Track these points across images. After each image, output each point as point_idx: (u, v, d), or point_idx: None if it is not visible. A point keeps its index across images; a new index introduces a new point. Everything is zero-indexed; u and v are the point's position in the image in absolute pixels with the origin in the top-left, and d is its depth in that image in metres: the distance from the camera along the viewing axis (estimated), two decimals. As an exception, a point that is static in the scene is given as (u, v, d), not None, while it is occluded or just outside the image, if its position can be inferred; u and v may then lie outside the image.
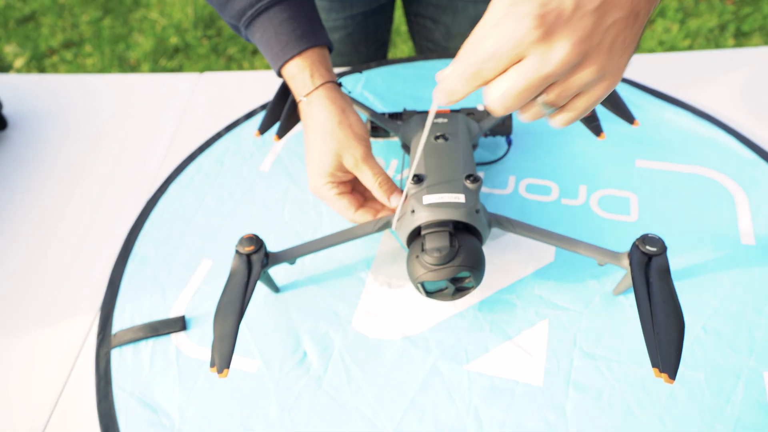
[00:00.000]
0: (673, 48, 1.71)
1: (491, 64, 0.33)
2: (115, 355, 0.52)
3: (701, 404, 0.44)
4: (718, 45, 1.75)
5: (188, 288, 0.56)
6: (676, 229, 0.56)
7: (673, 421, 0.44)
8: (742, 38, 1.75)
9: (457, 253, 0.46)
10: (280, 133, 0.61)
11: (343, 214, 0.55)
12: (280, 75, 0.57)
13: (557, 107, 0.36)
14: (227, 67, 1.87)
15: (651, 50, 1.73)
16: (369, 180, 0.54)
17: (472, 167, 0.53)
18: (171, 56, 1.93)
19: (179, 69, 1.89)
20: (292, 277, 0.56)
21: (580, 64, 0.33)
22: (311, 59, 0.55)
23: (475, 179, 0.50)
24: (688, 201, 0.58)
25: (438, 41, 0.86)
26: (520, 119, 0.38)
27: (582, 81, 0.34)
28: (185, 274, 0.57)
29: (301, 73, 0.55)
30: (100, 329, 0.54)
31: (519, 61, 0.33)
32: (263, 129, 0.62)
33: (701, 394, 0.45)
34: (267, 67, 1.86)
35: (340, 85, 0.57)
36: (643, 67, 0.73)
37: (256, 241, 0.50)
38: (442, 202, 0.48)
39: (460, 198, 0.49)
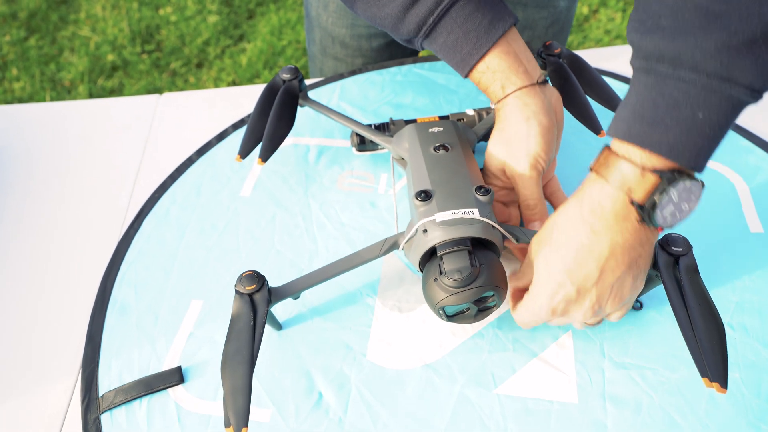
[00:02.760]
0: (619, 36, 1.75)
1: (533, 322, 0.46)
2: (106, 420, 0.46)
3: (743, 405, 0.43)
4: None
5: (180, 334, 0.51)
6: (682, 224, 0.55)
7: (717, 426, 0.42)
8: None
9: (479, 272, 0.44)
10: (264, 156, 0.56)
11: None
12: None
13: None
14: (171, 83, 1.79)
15: (599, 40, 1.77)
16: (518, 195, 0.51)
17: (479, 178, 0.50)
18: (109, 75, 1.83)
19: (120, 88, 1.79)
20: (294, 311, 0.52)
21: (598, 312, 0.44)
22: (498, 60, 0.49)
23: (486, 191, 0.47)
24: (689, 193, 0.57)
25: None
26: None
27: (606, 314, 0.45)
28: (174, 319, 0.52)
29: (491, 83, 0.49)
30: (84, 393, 0.48)
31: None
32: (244, 152, 0.57)
33: (741, 394, 0.43)
34: (224, 84, 1.78)
35: (545, 82, 0.51)
36: (618, 58, 0.73)
37: (258, 278, 0.45)
38: (456, 218, 0.45)
39: (474, 212, 0.46)
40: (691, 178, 0.38)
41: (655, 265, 0.44)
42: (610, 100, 0.58)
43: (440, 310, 0.45)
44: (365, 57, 0.80)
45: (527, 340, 0.49)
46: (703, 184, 0.39)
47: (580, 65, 0.60)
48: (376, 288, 0.53)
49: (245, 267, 0.55)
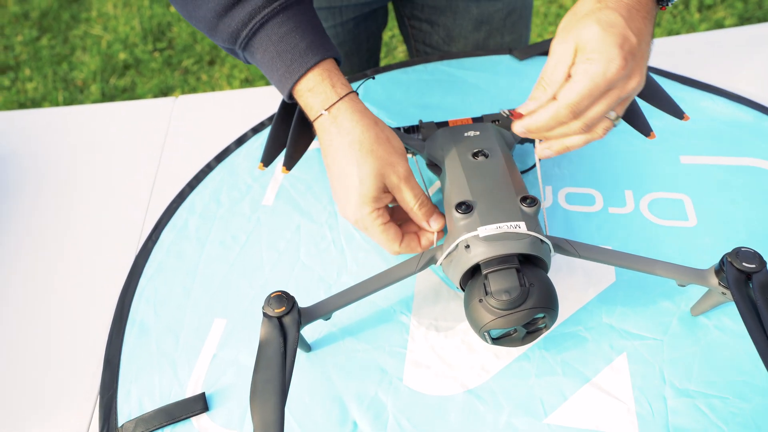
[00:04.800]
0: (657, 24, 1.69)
1: (587, 102, 0.40)
2: (126, 452, 0.43)
3: (826, 439, 0.39)
4: (684, 20, 1.74)
5: (203, 357, 0.48)
6: (744, 232, 0.50)
7: (797, 463, 0.38)
8: (706, 11, 1.75)
9: (528, 293, 0.40)
10: (288, 164, 0.52)
11: (389, 247, 0.48)
12: (291, 99, 0.49)
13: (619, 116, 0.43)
14: (184, 81, 1.76)
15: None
16: (409, 201, 0.48)
17: (524, 187, 0.46)
18: (121, 74, 1.80)
19: (132, 87, 1.76)
20: (323, 330, 0.49)
21: (632, 77, 0.41)
22: (326, 69, 0.47)
23: (533, 201, 0.43)
24: (747, 198, 0.53)
25: (437, 45, 0.78)
26: (596, 137, 0.44)
27: (634, 91, 0.42)
28: (196, 340, 0.49)
29: (320, 86, 0.47)
30: (102, 422, 0.45)
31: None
32: (267, 160, 0.54)
33: (823, 427, 0.39)
34: (237, 81, 1.75)
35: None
36: (658, 51, 0.68)
37: (287, 299, 0.42)
38: (501, 233, 0.42)
39: (521, 226, 0.42)
40: None
41: (725, 282, 0.40)
42: (659, 98, 0.54)
43: (485, 334, 0.41)
44: None
45: (577, 362, 0.45)
46: None
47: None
48: (410, 305, 0.50)
49: (270, 282, 0.52)
